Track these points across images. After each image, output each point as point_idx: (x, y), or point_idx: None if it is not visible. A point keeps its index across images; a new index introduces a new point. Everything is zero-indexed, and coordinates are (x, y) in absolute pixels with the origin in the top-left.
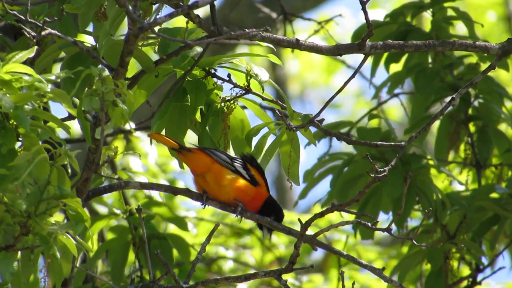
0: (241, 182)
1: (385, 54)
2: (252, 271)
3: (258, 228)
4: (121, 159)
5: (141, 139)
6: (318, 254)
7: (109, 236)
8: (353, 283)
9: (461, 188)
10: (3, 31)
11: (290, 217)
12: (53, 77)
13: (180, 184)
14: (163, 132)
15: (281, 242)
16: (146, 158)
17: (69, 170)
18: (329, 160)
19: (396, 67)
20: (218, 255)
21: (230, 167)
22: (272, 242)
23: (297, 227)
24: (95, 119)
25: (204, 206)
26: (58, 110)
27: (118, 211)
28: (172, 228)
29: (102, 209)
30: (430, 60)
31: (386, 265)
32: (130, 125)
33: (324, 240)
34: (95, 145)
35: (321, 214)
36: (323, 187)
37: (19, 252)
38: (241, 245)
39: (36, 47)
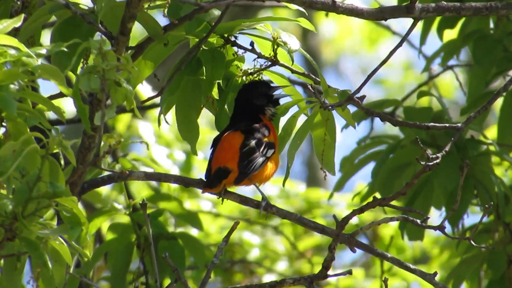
0: (271, 169)
1: (438, 18)
2: (281, 262)
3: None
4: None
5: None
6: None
7: (109, 235)
8: (385, 280)
9: None
10: None
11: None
12: (43, 51)
13: (200, 157)
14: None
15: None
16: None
17: (62, 161)
18: (371, 145)
19: (450, 34)
20: (242, 242)
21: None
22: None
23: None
24: (91, 98)
25: (223, 200)
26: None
27: (119, 206)
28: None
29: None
30: (491, 25)
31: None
32: (134, 108)
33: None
34: (94, 132)
35: (360, 210)
36: (363, 175)
37: (2, 260)
38: (270, 228)
39: (23, 14)
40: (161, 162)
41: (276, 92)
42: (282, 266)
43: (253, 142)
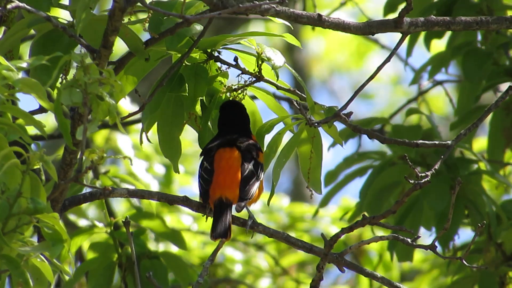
0: (260, 191)
1: None
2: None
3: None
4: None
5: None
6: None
7: (90, 254)
8: None
9: None
10: None
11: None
12: (24, 65)
13: (181, 170)
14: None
15: None
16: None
17: (43, 177)
18: (357, 160)
19: (438, 45)
20: (225, 258)
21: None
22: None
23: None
24: (72, 112)
25: (207, 218)
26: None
27: (100, 224)
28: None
29: (81, 222)
30: (479, 37)
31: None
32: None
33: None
34: (75, 147)
35: (349, 229)
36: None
37: None
38: (251, 245)
39: (3, 27)
40: (141, 176)
41: None
42: (265, 283)
43: (251, 165)
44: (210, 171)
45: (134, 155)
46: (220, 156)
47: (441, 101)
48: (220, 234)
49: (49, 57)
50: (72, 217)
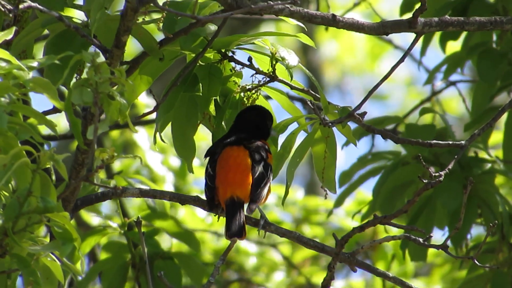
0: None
1: None
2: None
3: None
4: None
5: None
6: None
7: (103, 255)
8: None
9: None
10: None
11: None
12: (35, 64)
13: (195, 163)
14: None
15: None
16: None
17: (53, 177)
18: (371, 160)
19: (454, 46)
20: (239, 251)
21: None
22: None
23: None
24: (85, 112)
25: (219, 218)
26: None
27: (114, 225)
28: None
29: (94, 221)
30: (495, 37)
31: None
32: (129, 122)
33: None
34: (86, 146)
35: (360, 228)
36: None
37: None
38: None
39: (14, 27)
40: (156, 168)
41: (272, 132)
42: (279, 276)
43: (261, 166)
44: (213, 176)
45: (149, 148)
46: (228, 154)
47: (455, 102)
48: (235, 233)
49: (60, 56)
50: (86, 214)
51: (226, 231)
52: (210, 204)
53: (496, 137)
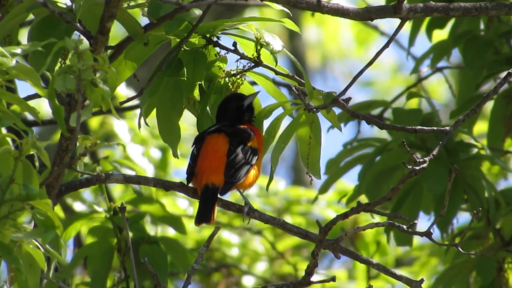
0: (254, 176)
1: (427, 18)
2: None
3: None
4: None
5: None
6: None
7: (89, 239)
8: (370, 287)
9: None
10: None
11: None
12: (18, 51)
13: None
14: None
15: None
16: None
17: (37, 163)
18: (357, 148)
19: (440, 35)
20: (221, 241)
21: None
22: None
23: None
24: (69, 98)
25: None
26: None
27: (99, 209)
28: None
29: (79, 207)
30: (482, 26)
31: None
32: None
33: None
34: (70, 133)
35: (344, 216)
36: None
37: None
38: (248, 228)
39: None
40: (137, 160)
41: (246, 101)
42: (261, 266)
43: (239, 149)
44: (196, 156)
45: (131, 140)
46: (207, 142)
47: (441, 89)
48: (201, 219)
49: (43, 43)
50: (69, 200)
51: (196, 218)
52: (189, 177)
53: (481, 126)
